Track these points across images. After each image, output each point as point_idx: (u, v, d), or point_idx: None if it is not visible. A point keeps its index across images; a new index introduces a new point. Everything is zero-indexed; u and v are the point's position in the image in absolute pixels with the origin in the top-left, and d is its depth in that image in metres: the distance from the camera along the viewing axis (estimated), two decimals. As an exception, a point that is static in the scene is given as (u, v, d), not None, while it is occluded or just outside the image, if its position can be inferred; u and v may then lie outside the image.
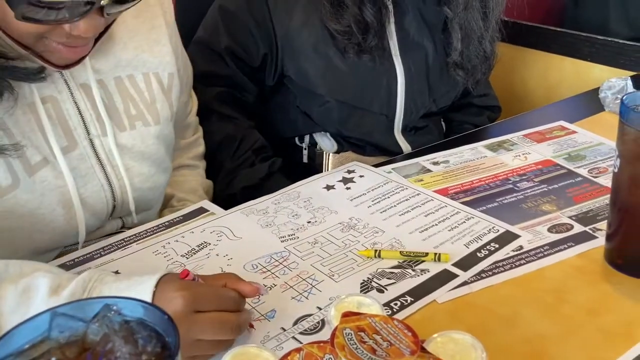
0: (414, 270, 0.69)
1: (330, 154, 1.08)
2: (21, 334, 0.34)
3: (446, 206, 0.82)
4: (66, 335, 0.35)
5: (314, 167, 1.09)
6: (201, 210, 0.84)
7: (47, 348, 0.34)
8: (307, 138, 1.10)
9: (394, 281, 0.68)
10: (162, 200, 0.91)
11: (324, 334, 0.60)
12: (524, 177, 0.89)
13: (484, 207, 0.81)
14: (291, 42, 0.99)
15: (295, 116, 1.07)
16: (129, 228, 0.84)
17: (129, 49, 0.79)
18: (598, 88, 1.15)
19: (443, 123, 1.21)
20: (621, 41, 1.27)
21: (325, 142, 1.08)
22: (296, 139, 1.10)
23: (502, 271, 0.69)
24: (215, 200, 0.96)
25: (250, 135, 1.04)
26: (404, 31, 1.02)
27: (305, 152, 1.10)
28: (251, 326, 0.61)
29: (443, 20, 1.04)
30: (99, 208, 0.77)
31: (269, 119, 1.10)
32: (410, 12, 1.01)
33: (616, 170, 0.66)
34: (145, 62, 0.81)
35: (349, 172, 0.92)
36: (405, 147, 1.09)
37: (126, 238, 0.77)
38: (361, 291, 0.67)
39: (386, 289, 0.67)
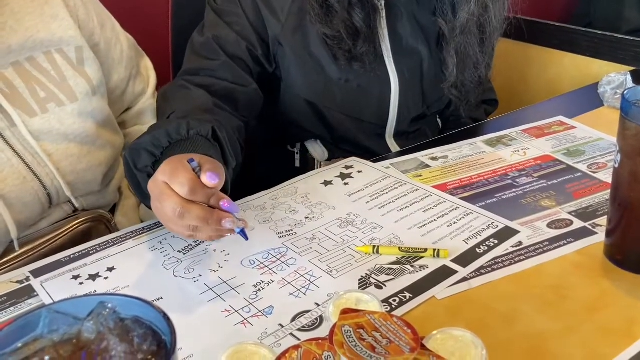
0: (412, 267, 0.69)
1: (322, 162, 1.07)
2: (14, 333, 0.33)
3: (445, 202, 0.82)
4: (60, 334, 0.34)
5: (307, 171, 1.07)
6: (198, 206, 0.83)
7: (41, 347, 0.33)
8: (298, 144, 1.08)
9: (393, 277, 0.67)
10: (116, 179, 0.88)
11: (323, 331, 0.60)
12: (523, 173, 0.88)
13: (483, 203, 0.81)
14: (282, 47, 0.96)
15: (285, 124, 1.04)
16: (84, 210, 0.83)
17: (19, 32, 0.75)
18: (597, 83, 1.14)
19: (439, 120, 1.20)
20: (620, 36, 1.26)
21: (317, 150, 1.07)
22: (288, 145, 1.09)
23: (501, 267, 0.69)
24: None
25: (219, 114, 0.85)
26: (397, 35, 0.98)
27: (297, 156, 1.09)
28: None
29: (438, 30, 1.01)
30: (28, 200, 0.74)
31: (259, 126, 1.07)
32: (404, 15, 0.98)
33: (617, 165, 0.66)
34: (43, 41, 0.77)
35: (347, 167, 0.92)
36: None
37: (122, 235, 0.77)
38: (359, 287, 0.66)
39: (385, 285, 0.66)
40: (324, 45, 0.94)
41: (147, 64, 0.99)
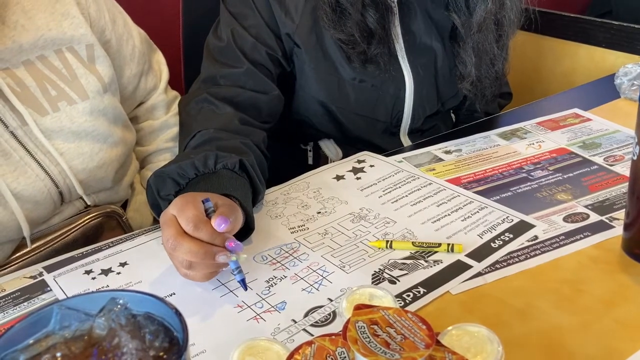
0: (426, 261, 0.68)
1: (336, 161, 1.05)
2: (25, 329, 0.33)
3: (459, 196, 0.81)
4: (72, 330, 0.34)
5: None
6: (210, 201, 0.83)
7: (53, 343, 0.33)
8: (311, 142, 1.07)
9: (406, 272, 0.67)
10: (128, 175, 0.88)
11: (336, 326, 0.59)
12: (538, 166, 0.87)
13: (498, 197, 0.80)
14: (297, 46, 0.94)
15: (298, 123, 1.03)
16: (96, 206, 0.83)
17: (30, 31, 0.75)
18: (613, 74, 1.13)
19: (452, 115, 1.19)
20: (638, 26, 1.24)
21: (330, 149, 1.06)
22: (300, 143, 1.08)
23: (516, 262, 0.68)
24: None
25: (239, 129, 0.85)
26: (410, 33, 0.97)
27: (310, 153, 1.08)
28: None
29: (451, 25, 0.99)
30: (40, 198, 0.75)
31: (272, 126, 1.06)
32: (417, 12, 0.96)
33: (635, 157, 0.64)
34: (55, 40, 0.76)
35: (359, 161, 0.91)
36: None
37: (135, 232, 0.76)
38: (373, 282, 0.65)
39: (398, 280, 0.65)
40: (337, 46, 0.93)
41: (160, 59, 0.99)
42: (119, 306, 0.34)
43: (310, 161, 1.08)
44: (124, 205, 0.92)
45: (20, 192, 0.72)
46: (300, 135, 1.07)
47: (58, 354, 0.32)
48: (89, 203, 0.81)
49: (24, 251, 0.76)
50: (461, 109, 1.17)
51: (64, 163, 0.75)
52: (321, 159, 1.07)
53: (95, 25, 0.82)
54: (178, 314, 0.33)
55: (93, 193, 0.82)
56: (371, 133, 1.03)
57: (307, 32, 0.93)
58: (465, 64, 0.98)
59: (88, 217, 0.81)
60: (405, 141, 1.05)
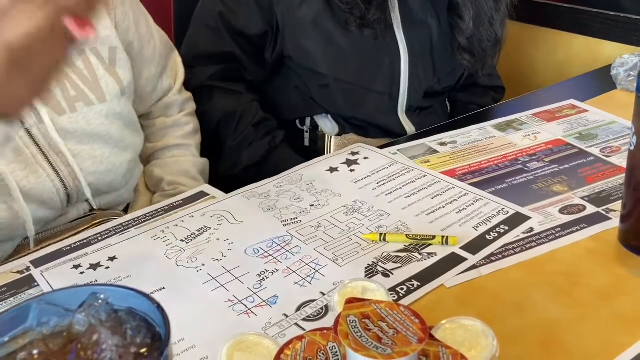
0: (420, 254, 0.67)
1: (332, 137, 1.05)
2: (2, 326, 0.31)
3: (454, 188, 0.80)
4: (51, 326, 0.32)
5: (316, 150, 1.07)
6: (201, 194, 0.81)
7: (30, 340, 0.31)
8: (308, 121, 1.07)
9: (400, 265, 0.66)
10: (134, 178, 0.88)
11: (328, 320, 0.58)
12: (533, 157, 0.86)
13: (493, 189, 0.79)
14: (291, 18, 0.96)
15: (295, 98, 1.05)
16: (101, 210, 0.82)
17: None
18: (610, 65, 1.12)
19: (448, 104, 1.18)
20: (634, 17, 1.23)
21: (327, 125, 1.06)
22: (297, 121, 1.08)
23: (512, 254, 0.67)
24: (218, 179, 0.94)
25: (250, 109, 1.03)
26: (407, 7, 0.99)
27: (306, 135, 1.08)
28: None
29: (448, 1, 1.00)
30: (47, 198, 0.74)
31: (269, 101, 1.07)
32: None
33: (632, 148, 0.63)
34: None
35: (353, 153, 0.90)
36: (410, 128, 1.06)
37: (124, 223, 0.75)
38: (366, 276, 0.64)
39: (392, 274, 0.64)
40: (333, 14, 0.95)
41: (177, 59, 0.99)
42: (100, 301, 0.33)
43: (306, 142, 1.08)
44: (126, 207, 0.91)
45: (28, 190, 0.72)
46: (299, 111, 1.07)
47: (35, 351, 0.31)
48: (94, 206, 0.80)
49: (26, 253, 0.74)
50: (457, 85, 1.16)
51: (75, 165, 0.75)
52: (318, 140, 1.07)
53: (120, 27, 0.82)
54: (160, 309, 0.32)
55: (99, 195, 0.81)
56: (369, 107, 1.03)
57: (300, 2, 0.96)
58: (464, 18, 0.99)
59: (93, 222, 0.80)
60: (404, 119, 1.06)
